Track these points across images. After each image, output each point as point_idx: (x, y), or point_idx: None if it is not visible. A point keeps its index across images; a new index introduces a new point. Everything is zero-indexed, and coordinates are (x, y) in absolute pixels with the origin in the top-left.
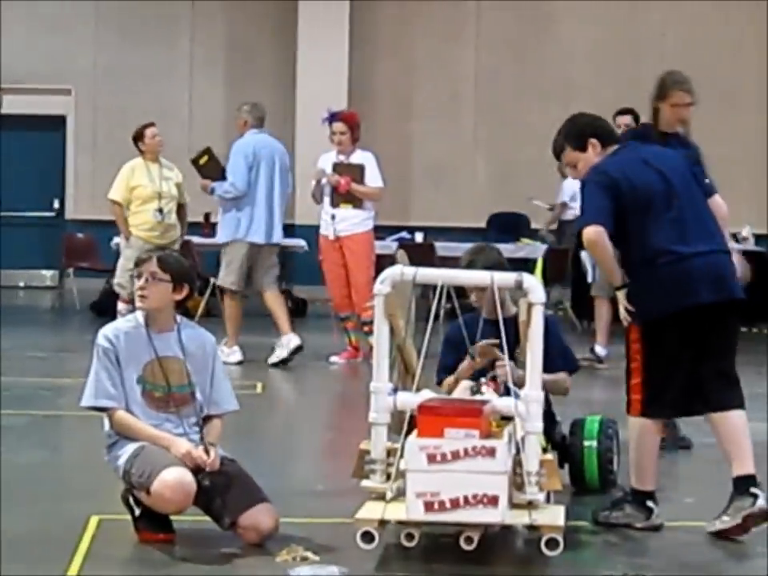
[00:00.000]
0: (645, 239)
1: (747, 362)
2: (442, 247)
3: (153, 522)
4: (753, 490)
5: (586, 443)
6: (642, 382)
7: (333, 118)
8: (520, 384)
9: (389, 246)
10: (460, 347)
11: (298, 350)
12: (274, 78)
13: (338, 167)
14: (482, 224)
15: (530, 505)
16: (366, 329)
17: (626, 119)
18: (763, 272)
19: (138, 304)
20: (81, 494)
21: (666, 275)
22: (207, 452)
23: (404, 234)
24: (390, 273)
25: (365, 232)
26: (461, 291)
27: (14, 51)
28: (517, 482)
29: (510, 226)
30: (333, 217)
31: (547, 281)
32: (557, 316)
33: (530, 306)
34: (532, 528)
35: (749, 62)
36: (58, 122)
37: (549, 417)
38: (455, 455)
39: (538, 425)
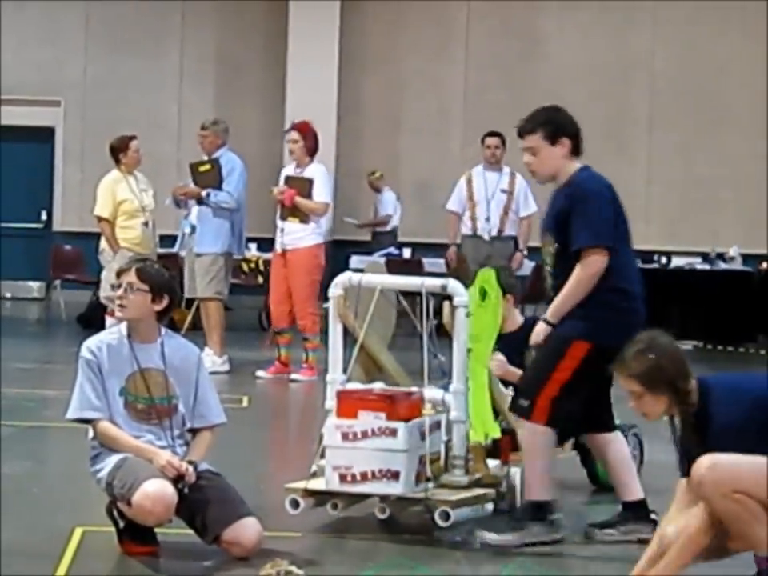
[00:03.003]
0: (621, 268)
1: None
2: (430, 263)
3: (137, 535)
4: (653, 516)
5: None
6: (559, 396)
7: (291, 128)
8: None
9: (377, 261)
10: None
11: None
12: (263, 93)
13: (288, 180)
14: None
15: (428, 480)
16: (307, 345)
17: (495, 141)
18: (750, 292)
19: (116, 314)
20: (65, 505)
21: (630, 309)
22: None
23: (392, 250)
24: (340, 278)
25: (308, 247)
26: None
27: (3, 63)
28: (448, 465)
29: None
30: (282, 230)
31: (504, 289)
32: None
33: (453, 308)
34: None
35: (738, 81)
36: (46, 134)
37: None
38: (365, 434)
39: (463, 414)
